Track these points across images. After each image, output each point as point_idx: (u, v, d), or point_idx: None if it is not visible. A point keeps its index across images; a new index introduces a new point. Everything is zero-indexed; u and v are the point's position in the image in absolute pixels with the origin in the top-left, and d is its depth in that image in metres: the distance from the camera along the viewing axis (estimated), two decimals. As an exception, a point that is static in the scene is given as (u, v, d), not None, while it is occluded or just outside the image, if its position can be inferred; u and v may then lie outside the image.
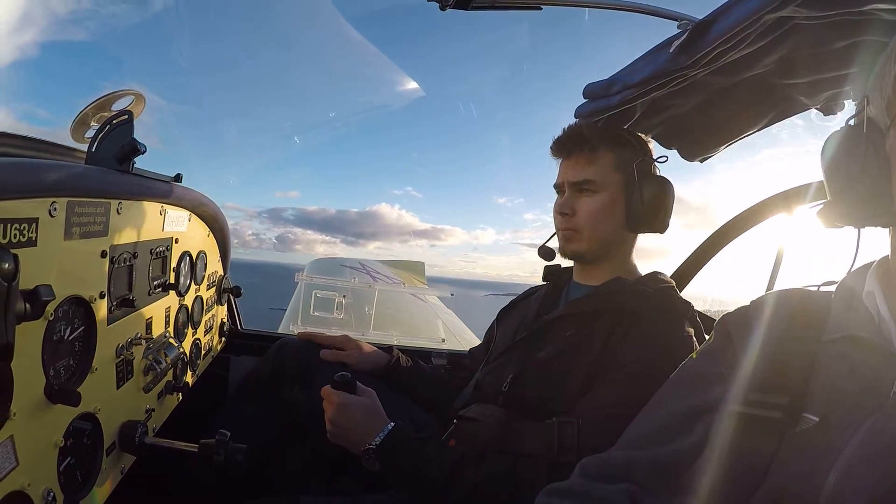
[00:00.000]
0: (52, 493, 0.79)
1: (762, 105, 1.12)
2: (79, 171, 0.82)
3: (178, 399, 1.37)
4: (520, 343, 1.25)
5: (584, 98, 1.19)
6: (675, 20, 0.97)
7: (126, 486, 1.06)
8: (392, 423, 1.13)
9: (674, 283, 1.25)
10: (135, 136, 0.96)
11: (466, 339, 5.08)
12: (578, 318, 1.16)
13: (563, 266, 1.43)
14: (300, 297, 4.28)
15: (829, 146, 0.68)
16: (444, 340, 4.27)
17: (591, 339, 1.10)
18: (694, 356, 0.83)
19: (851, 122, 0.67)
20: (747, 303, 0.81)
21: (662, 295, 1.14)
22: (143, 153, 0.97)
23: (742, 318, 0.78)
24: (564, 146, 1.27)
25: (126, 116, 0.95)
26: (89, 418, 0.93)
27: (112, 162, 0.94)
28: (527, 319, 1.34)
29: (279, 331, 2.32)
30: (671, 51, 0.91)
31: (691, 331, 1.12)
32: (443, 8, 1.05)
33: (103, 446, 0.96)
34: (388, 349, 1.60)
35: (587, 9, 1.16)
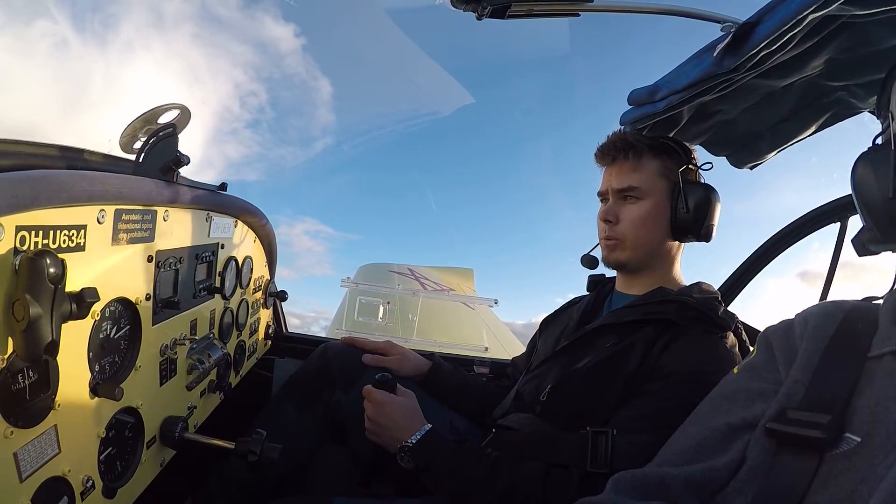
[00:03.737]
0: (91, 480, 0.84)
1: (813, 108, 1.08)
2: (125, 180, 0.88)
3: (221, 398, 1.43)
4: (560, 352, 1.24)
5: (629, 104, 1.19)
6: (718, 22, 0.96)
7: (166, 478, 1.11)
8: (429, 425, 1.15)
9: (719, 294, 1.20)
10: (179, 148, 1.02)
11: (512, 347, 5.03)
12: (620, 327, 1.13)
13: (606, 276, 1.42)
14: (345, 302, 4.39)
15: (858, 169, 0.64)
16: (487, 349, 4.26)
17: (632, 349, 1.07)
18: (735, 371, 0.79)
19: (879, 141, 0.63)
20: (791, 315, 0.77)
21: (706, 306, 1.09)
22: (186, 164, 1.02)
23: (785, 332, 0.74)
24: (608, 153, 1.25)
25: (171, 129, 1.00)
26: (132, 412, 0.98)
27: (158, 172, 1.00)
28: (568, 329, 1.33)
29: (323, 335, 2.38)
30: (715, 54, 0.90)
31: (734, 344, 1.07)
32: (479, 18, 1.06)
33: (144, 439, 1.02)
34: (430, 356, 1.62)
35: (628, 14, 1.14)
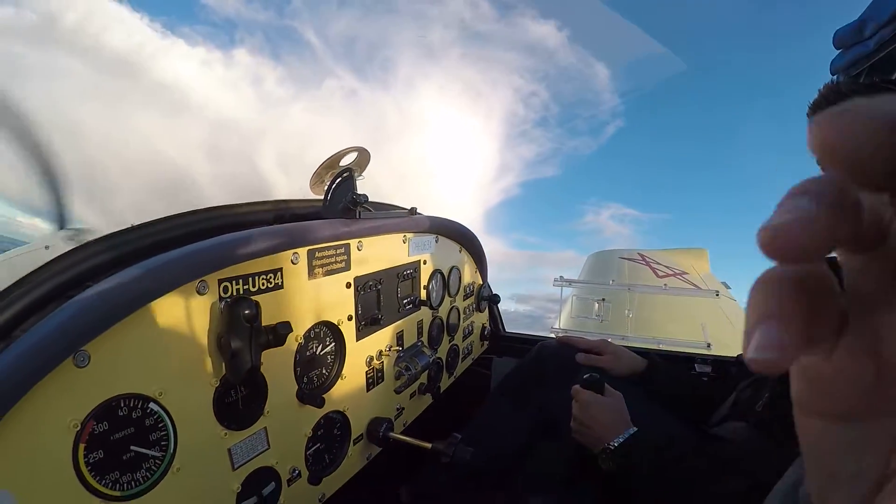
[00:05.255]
0: (297, 471, 1.03)
1: None
2: (312, 226, 1.04)
3: (430, 400, 1.56)
4: None
5: (836, 48, 1.06)
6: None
7: (373, 471, 1.27)
8: (634, 428, 1.13)
9: None
10: (357, 189, 1.15)
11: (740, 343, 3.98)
12: None
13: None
14: (560, 300, 4.32)
15: None
16: (710, 346, 3.62)
17: None
18: None
19: None
20: None
21: None
22: (363, 203, 1.15)
23: None
24: (822, 109, 0.84)
25: (347, 173, 1.14)
26: (339, 415, 1.16)
27: (340, 213, 1.15)
28: None
29: (540, 333, 2.36)
30: None
31: None
32: None
33: (351, 437, 1.19)
34: (645, 354, 1.54)
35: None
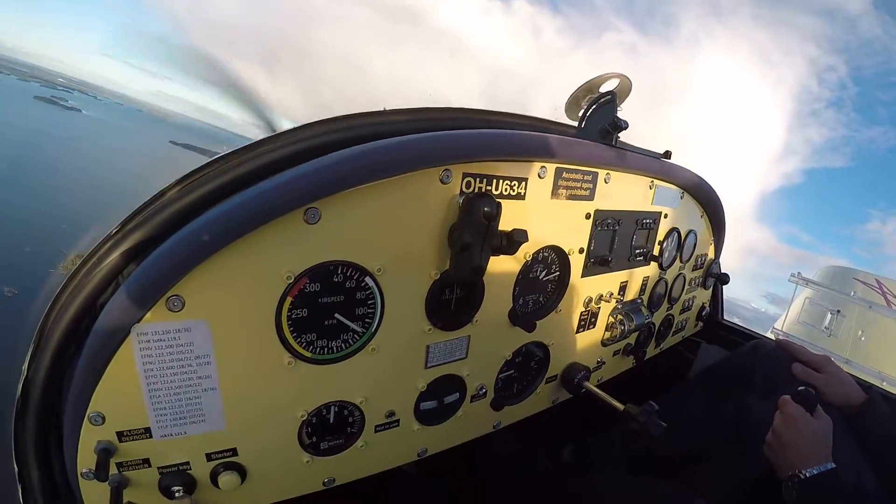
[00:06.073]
0: (484, 389, 1.02)
1: None
2: (567, 141, 0.98)
3: (632, 363, 1.45)
4: None
5: None
6: None
7: (553, 414, 1.23)
8: (832, 464, 1.00)
9: None
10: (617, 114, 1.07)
11: None
12: None
13: None
14: (791, 299, 3.61)
15: None
16: None
17: None
18: None
19: None
20: None
21: None
22: (624, 129, 1.06)
23: None
24: None
25: (609, 97, 1.06)
26: (542, 347, 1.13)
27: (597, 136, 1.07)
28: None
29: (757, 330, 2.02)
30: None
31: None
32: None
33: (545, 374, 1.16)
34: (868, 388, 1.33)
35: None
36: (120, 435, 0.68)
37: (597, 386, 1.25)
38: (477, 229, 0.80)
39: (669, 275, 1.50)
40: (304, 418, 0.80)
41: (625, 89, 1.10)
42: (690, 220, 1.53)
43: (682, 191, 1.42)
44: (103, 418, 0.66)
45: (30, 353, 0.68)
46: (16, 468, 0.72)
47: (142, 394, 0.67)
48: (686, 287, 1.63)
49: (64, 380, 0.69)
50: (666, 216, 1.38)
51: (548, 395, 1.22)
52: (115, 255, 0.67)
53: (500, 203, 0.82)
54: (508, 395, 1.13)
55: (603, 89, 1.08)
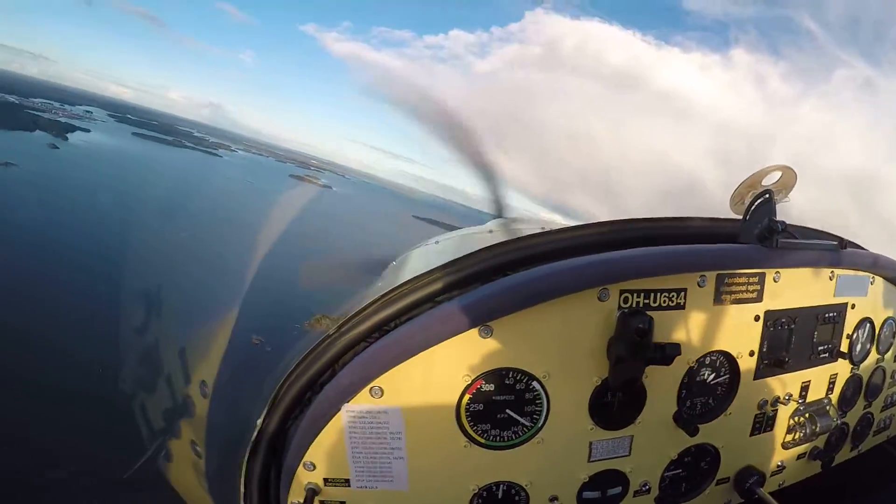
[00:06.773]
0: (648, 486, 1.03)
1: None
2: (726, 250, 0.99)
3: (819, 468, 1.28)
4: None
5: None
6: None
7: None
8: None
9: None
10: (776, 214, 1.01)
11: None
12: None
13: None
14: None
15: None
16: None
17: None
18: None
19: None
20: None
21: None
22: (779, 232, 1.01)
23: None
24: None
25: (767, 196, 1.02)
26: (711, 449, 1.09)
27: (760, 236, 1.03)
28: None
29: None
30: None
31: None
32: None
33: (716, 476, 1.11)
34: None
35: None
36: (325, 480, 0.91)
37: (779, 490, 1.17)
38: (629, 344, 0.87)
39: (864, 369, 1.32)
40: (475, 491, 0.94)
41: (788, 182, 1.06)
42: (888, 306, 1.35)
43: (871, 276, 1.28)
44: (314, 466, 0.89)
45: (266, 410, 0.93)
46: (242, 490, 0.97)
47: (346, 453, 0.89)
48: (888, 381, 1.40)
49: (288, 434, 0.92)
50: (854, 307, 1.25)
51: (718, 498, 1.16)
52: (335, 349, 0.90)
53: (651, 318, 0.87)
54: (676, 494, 1.11)
55: (766, 181, 1.05)
